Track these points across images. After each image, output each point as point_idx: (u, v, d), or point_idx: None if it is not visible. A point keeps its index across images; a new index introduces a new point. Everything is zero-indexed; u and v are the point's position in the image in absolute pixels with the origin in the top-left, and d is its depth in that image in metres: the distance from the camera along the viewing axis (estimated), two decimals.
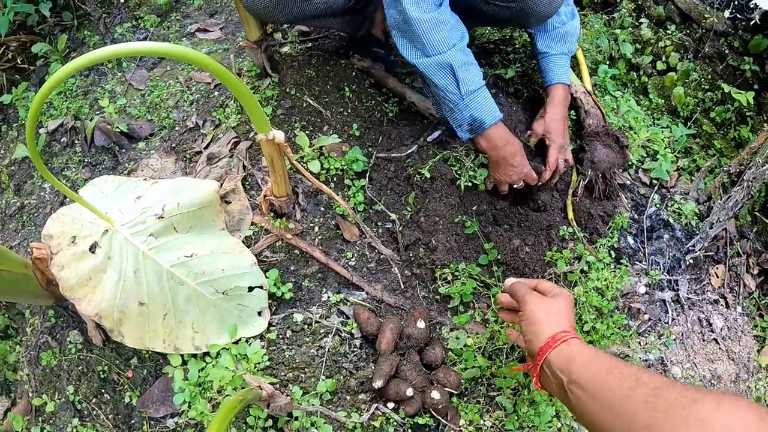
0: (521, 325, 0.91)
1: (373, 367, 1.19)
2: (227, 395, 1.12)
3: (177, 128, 1.58)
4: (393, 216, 1.31)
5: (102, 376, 1.32)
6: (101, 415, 1.31)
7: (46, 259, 1.30)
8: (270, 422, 1.13)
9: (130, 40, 1.81)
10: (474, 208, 1.35)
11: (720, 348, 1.52)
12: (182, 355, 1.23)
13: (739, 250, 1.61)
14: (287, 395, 1.14)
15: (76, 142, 1.65)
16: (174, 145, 1.54)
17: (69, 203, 1.45)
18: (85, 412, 1.32)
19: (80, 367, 1.35)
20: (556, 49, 1.42)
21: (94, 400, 1.31)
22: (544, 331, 0.83)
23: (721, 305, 1.56)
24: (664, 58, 1.71)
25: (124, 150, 1.59)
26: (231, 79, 0.98)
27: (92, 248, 1.26)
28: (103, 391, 1.32)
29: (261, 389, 0.97)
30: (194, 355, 1.23)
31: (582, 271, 1.38)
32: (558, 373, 0.76)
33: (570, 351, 0.77)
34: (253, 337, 1.22)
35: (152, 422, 1.24)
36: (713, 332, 1.52)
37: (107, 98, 1.67)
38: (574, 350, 0.77)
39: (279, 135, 1.09)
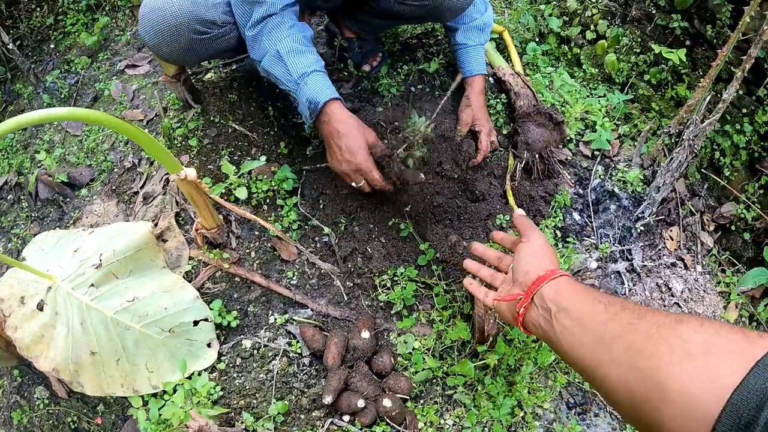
0: (520, 255, 0.92)
1: (324, 383, 1.20)
2: None
3: (116, 170, 1.58)
4: (326, 230, 1.31)
5: (73, 427, 1.35)
6: None
7: (0, 322, 1.32)
8: None
9: (61, 86, 1.82)
10: (407, 209, 1.35)
11: (683, 311, 1.51)
12: (142, 396, 1.25)
13: (692, 209, 1.60)
14: (242, 423, 1.16)
15: (22, 197, 1.66)
16: (114, 187, 1.55)
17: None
18: None
19: (50, 421, 1.38)
20: (475, 40, 1.44)
21: None
22: (544, 264, 0.87)
23: (680, 267, 1.55)
24: (592, 27, 1.68)
25: (68, 199, 1.60)
26: (130, 131, 0.99)
27: (40, 306, 1.28)
28: None
29: (187, 428, 0.98)
30: (154, 395, 1.25)
31: None
32: (548, 303, 0.78)
33: (560, 283, 0.81)
34: (205, 370, 1.24)
35: None
36: (674, 296, 1.51)
37: (44, 150, 1.67)
38: (564, 283, 0.81)
39: (190, 173, 1.10)
